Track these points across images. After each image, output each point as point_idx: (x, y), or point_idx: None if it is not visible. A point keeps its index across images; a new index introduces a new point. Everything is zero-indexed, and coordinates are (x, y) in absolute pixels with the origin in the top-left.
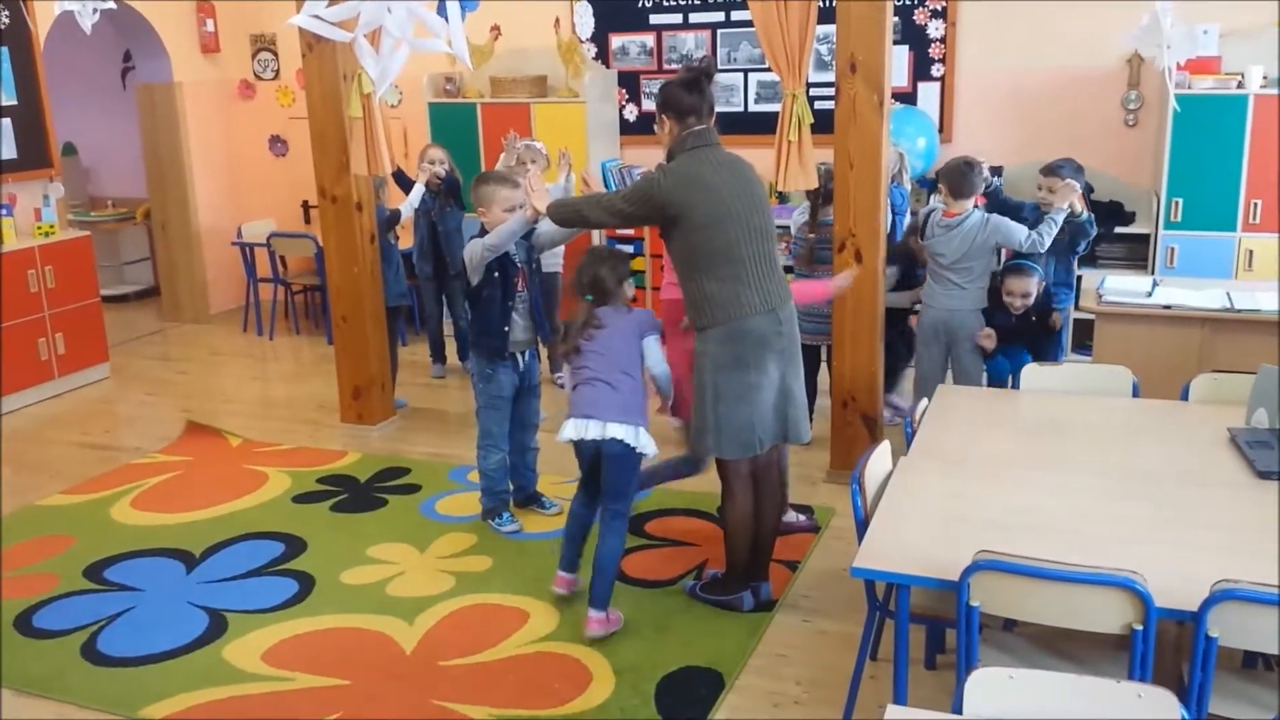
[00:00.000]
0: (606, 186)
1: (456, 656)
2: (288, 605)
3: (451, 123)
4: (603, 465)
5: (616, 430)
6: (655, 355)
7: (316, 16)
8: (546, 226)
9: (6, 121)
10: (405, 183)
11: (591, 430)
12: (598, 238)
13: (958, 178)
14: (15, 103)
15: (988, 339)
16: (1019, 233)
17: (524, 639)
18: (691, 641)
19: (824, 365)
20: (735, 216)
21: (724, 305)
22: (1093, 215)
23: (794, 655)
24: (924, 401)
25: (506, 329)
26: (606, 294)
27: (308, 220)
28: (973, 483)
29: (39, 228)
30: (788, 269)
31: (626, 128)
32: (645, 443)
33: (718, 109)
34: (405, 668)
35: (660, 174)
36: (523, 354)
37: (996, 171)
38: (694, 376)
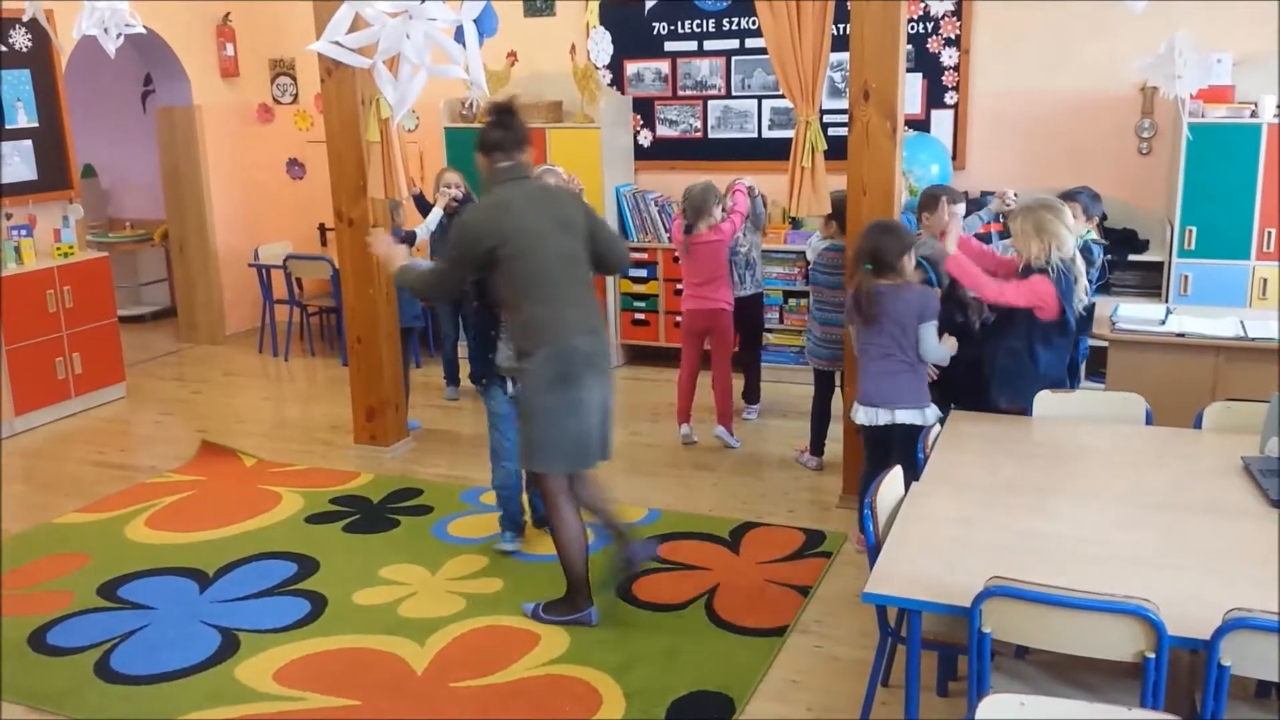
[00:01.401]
0: (621, 212)
1: (467, 678)
2: (300, 625)
3: (467, 147)
4: (894, 444)
5: (904, 416)
6: (931, 342)
7: (336, 43)
8: None
9: (27, 143)
10: (424, 206)
11: (881, 417)
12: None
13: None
14: (36, 124)
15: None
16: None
17: (535, 661)
18: (702, 665)
19: (837, 390)
20: (548, 243)
21: (548, 328)
22: (1105, 244)
23: (805, 681)
24: (936, 427)
25: (491, 355)
26: (886, 266)
27: (324, 243)
28: (985, 509)
29: (58, 248)
30: (802, 294)
31: (641, 153)
32: (931, 416)
33: (732, 135)
34: (416, 688)
35: (468, 212)
36: (512, 379)
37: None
38: (522, 397)
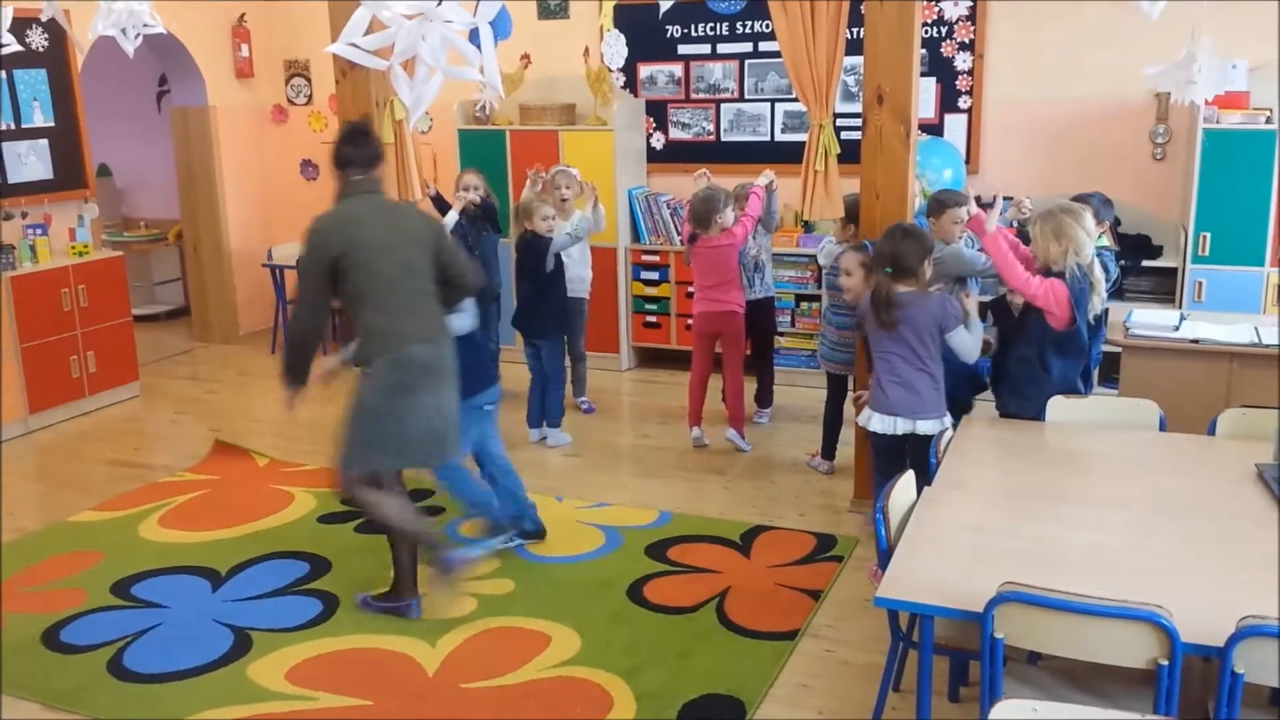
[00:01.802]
0: (633, 214)
1: (478, 679)
2: (312, 625)
3: (481, 149)
4: (910, 449)
5: (925, 426)
6: (965, 345)
7: (353, 44)
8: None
9: (43, 142)
10: (442, 206)
11: (900, 427)
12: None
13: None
14: (52, 124)
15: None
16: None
17: (546, 663)
18: (713, 669)
19: (850, 394)
20: (390, 255)
21: (388, 335)
22: (1116, 250)
23: (816, 685)
24: (949, 432)
25: None
26: (906, 271)
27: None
28: (997, 514)
29: (73, 247)
30: (813, 298)
31: (653, 156)
32: (948, 424)
33: (745, 138)
34: (427, 689)
35: (314, 223)
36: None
37: None
38: (354, 398)
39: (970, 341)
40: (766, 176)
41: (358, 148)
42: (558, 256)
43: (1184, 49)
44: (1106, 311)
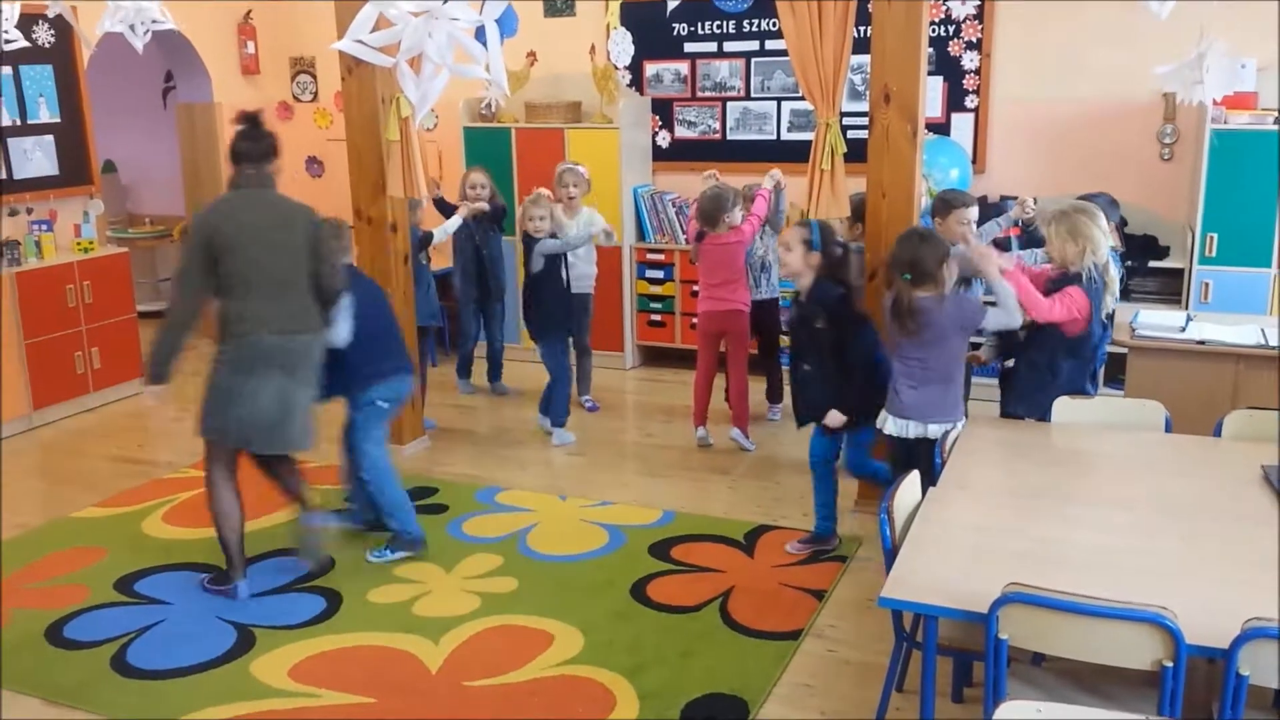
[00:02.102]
0: (638, 213)
1: (481, 677)
2: (315, 622)
3: (486, 147)
4: (922, 455)
5: (936, 430)
6: (1004, 322)
7: (360, 41)
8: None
9: (49, 138)
10: (446, 209)
11: (912, 430)
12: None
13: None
14: (58, 120)
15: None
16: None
17: (549, 661)
18: (716, 668)
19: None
20: (259, 247)
21: (241, 320)
22: (1121, 250)
23: (819, 685)
24: (954, 431)
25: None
26: (926, 275)
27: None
28: (1002, 515)
29: (78, 243)
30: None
31: (659, 154)
32: (961, 427)
33: (751, 136)
34: (430, 687)
35: (194, 215)
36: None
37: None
38: (209, 376)
39: (1004, 316)
40: (773, 177)
41: (250, 142)
42: (553, 258)
43: (1194, 49)
44: (1113, 312)
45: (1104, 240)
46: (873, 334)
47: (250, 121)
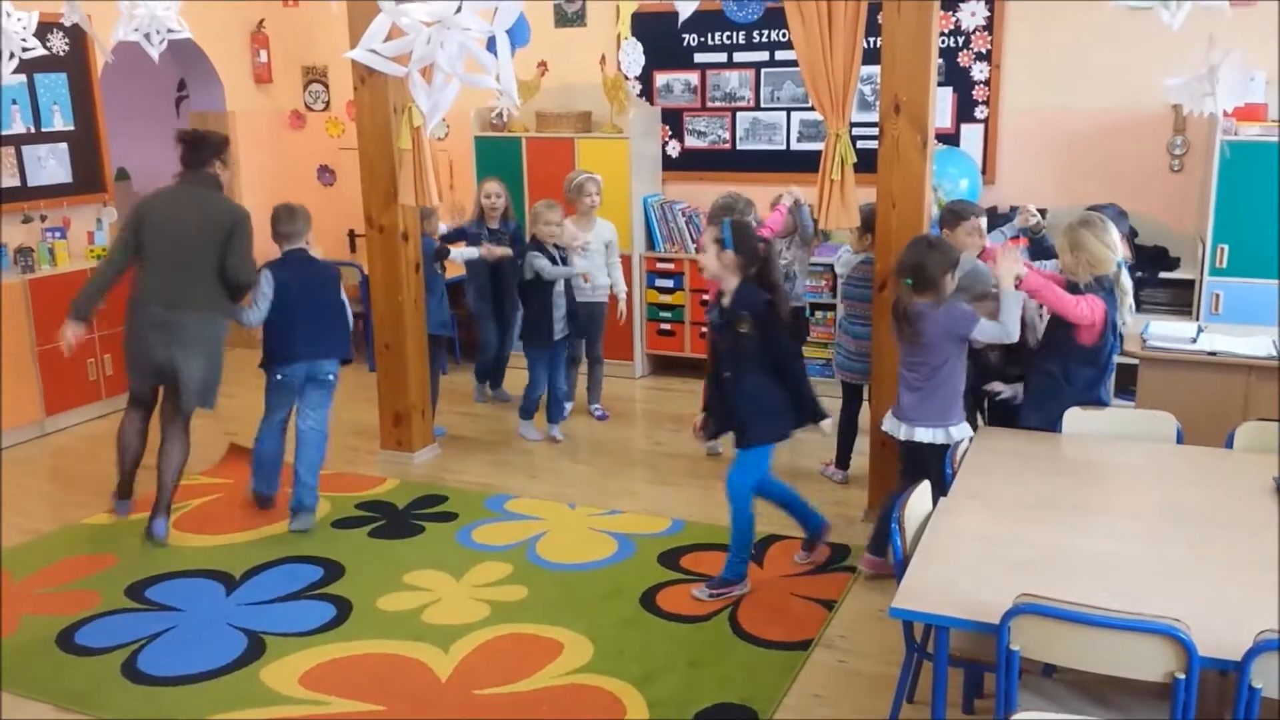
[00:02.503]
0: (648, 222)
1: (490, 686)
2: (325, 629)
3: (497, 156)
4: (927, 461)
5: (922, 434)
6: (996, 334)
7: (373, 50)
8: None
9: (63, 146)
10: (466, 237)
11: (902, 432)
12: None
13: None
14: (72, 128)
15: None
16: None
17: (558, 670)
18: (726, 678)
19: (865, 403)
20: (166, 230)
21: (141, 288)
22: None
23: (829, 696)
24: (965, 442)
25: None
26: (928, 282)
27: (353, 249)
28: (1014, 525)
29: (91, 250)
30: (829, 307)
31: (669, 164)
32: (956, 434)
33: (760, 146)
34: (440, 695)
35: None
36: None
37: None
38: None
39: (998, 331)
40: (791, 194)
41: (189, 149)
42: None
43: (1206, 63)
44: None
45: (1110, 254)
46: (791, 344)
47: (190, 138)
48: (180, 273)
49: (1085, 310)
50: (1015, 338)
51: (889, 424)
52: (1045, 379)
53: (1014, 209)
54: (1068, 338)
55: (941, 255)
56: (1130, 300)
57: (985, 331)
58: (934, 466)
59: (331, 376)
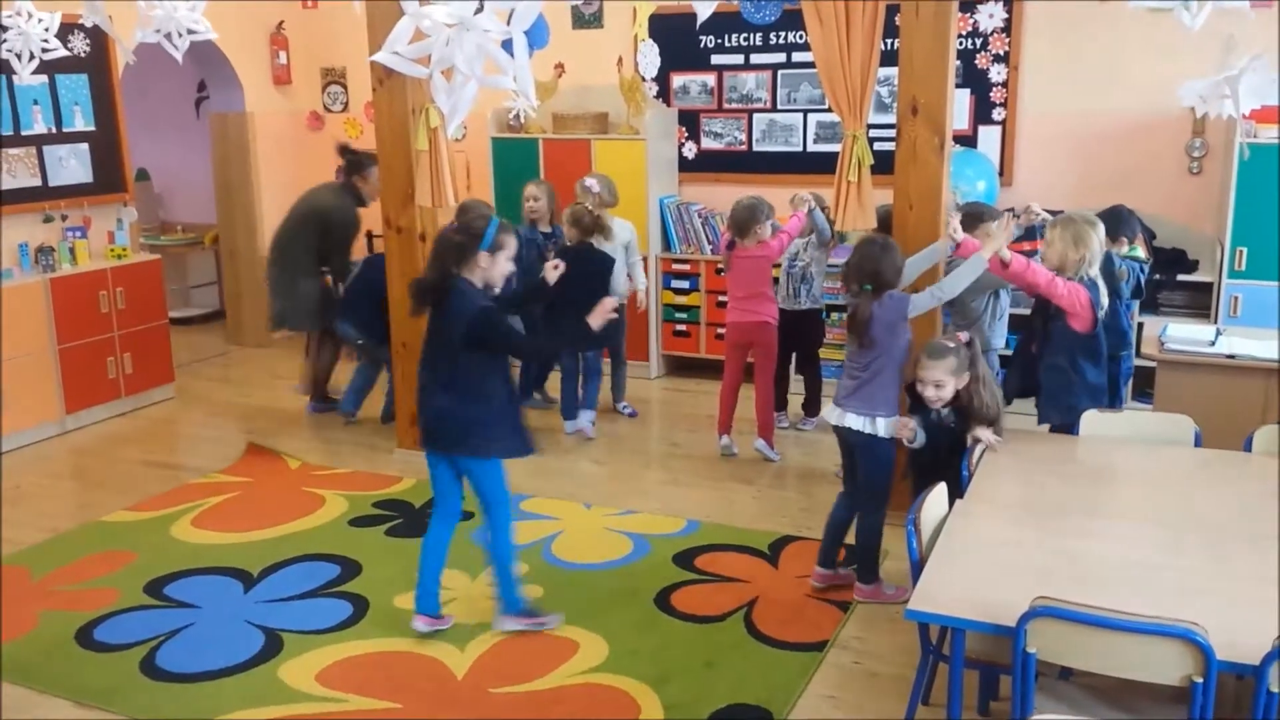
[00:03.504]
0: (664, 223)
1: (506, 684)
2: (342, 627)
3: (514, 157)
4: (852, 449)
5: (852, 420)
6: (926, 304)
7: (396, 53)
8: None
9: (84, 146)
10: (524, 244)
11: (834, 416)
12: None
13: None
14: (93, 128)
15: (905, 430)
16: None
17: (573, 670)
18: (741, 679)
19: None
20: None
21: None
22: (1145, 263)
23: (844, 697)
24: (979, 449)
25: None
26: (886, 286)
27: (371, 250)
28: (1030, 528)
29: (111, 250)
30: (844, 308)
31: (685, 165)
32: (882, 428)
33: (777, 148)
34: (456, 694)
35: None
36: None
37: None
38: None
39: (927, 298)
40: (805, 201)
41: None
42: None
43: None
44: (1140, 325)
45: (1100, 254)
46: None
47: (340, 150)
48: (277, 241)
49: (1061, 287)
50: (950, 296)
51: (826, 410)
52: (1054, 374)
53: (1012, 210)
54: (1067, 330)
55: (895, 257)
56: (1104, 301)
57: (918, 303)
58: (861, 457)
59: None
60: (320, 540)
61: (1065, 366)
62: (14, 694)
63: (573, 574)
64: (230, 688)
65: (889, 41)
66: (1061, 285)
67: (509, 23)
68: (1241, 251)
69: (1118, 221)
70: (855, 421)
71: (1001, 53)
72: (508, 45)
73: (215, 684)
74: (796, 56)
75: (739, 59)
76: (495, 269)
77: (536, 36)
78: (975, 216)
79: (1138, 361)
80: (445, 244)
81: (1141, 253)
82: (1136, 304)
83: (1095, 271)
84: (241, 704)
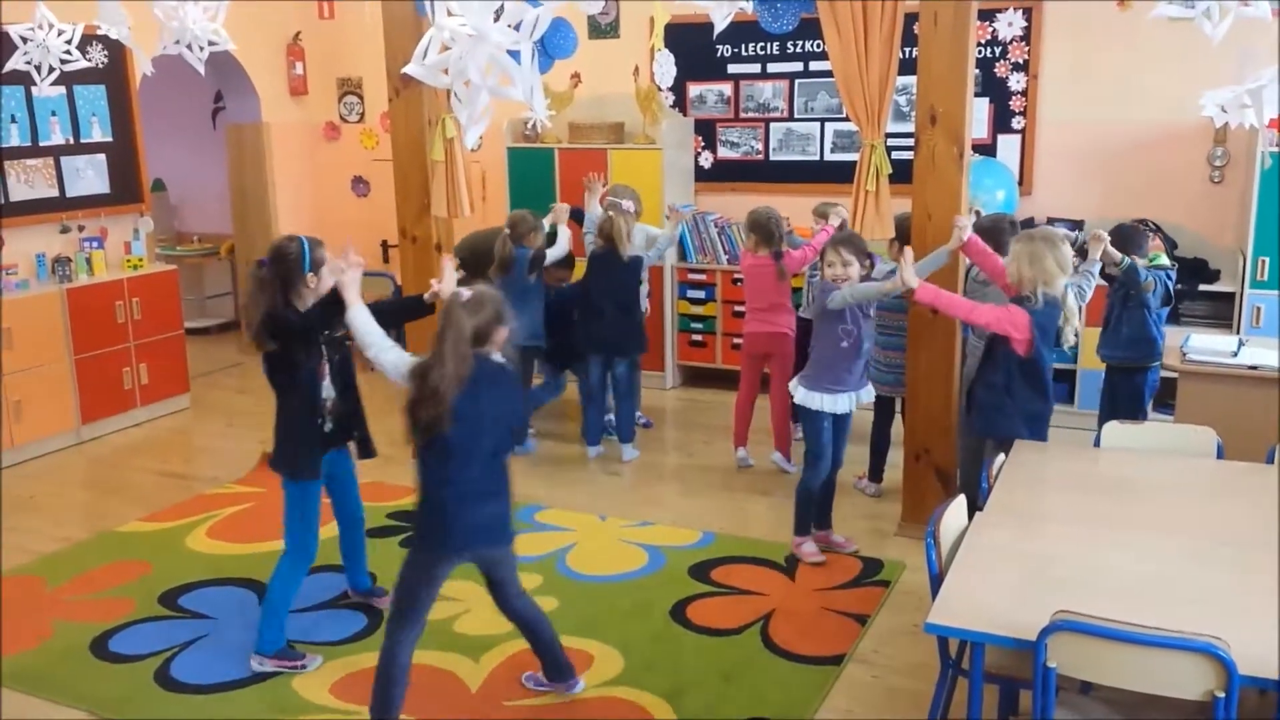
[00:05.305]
0: (681, 233)
1: (520, 697)
2: (356, 639)
3: (530, 167)
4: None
5: (800, 396)
6: (840, 297)
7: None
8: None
9: (101, 157)
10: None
11: (799, 395)
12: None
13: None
14: (110, 139)
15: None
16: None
17: (588, 682)
18: (757, 693)
19: (898, 417)
20: None
21: None
22: (1171, 270)
23: (861, 712)
24: (1001, 457)
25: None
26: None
27: (386, 260)
28: (1050, 541)
29: (128, 260)
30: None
31: (701, 174)
32: (800, 394)
33: (794, 157)
34: (470, 706)
35: None
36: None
37: (1077, 226)
38: None
39: (846, 293)
40: (839, 215)
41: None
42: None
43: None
44: (1163, 334)
45: (1060, 274)
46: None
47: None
48: None
49: (984, 315)
50: (856, 301)
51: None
52: (988, 391)
53: (1051, 221)
54: (1006, 350)
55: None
56: (1076, 323)
57: (834, 298)
58: (805, 428)
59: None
60: (334, 552)
61: (1000, 386)
62: (28, 703)
63: (587, 586)
64: (244, 699)
65: (907, 50)
66: (986, 312)
67: (526, 33)
68: (1264, 261)
69: (1125, 239)
70: (800, 396)
71: (1021, 61)
72: (516, 55)
73: (229, 695)
74: (814, 65)
75: (756, 68)
76: (322, 285)
77: (562, 46)
78: (992, 232)
79: (1161, 372)
80: (265, 282)
81: (1165, 260)
82: (1166, 311)
83: (1057, 291)
84: (255, 715)
